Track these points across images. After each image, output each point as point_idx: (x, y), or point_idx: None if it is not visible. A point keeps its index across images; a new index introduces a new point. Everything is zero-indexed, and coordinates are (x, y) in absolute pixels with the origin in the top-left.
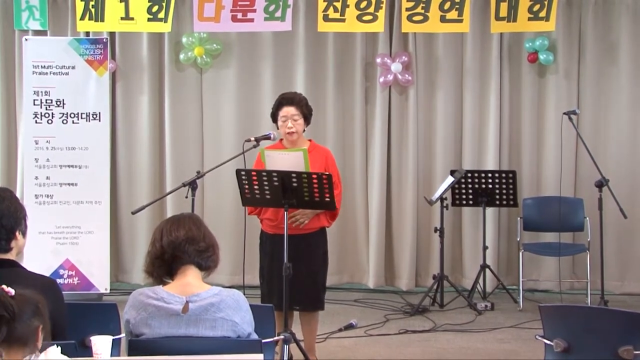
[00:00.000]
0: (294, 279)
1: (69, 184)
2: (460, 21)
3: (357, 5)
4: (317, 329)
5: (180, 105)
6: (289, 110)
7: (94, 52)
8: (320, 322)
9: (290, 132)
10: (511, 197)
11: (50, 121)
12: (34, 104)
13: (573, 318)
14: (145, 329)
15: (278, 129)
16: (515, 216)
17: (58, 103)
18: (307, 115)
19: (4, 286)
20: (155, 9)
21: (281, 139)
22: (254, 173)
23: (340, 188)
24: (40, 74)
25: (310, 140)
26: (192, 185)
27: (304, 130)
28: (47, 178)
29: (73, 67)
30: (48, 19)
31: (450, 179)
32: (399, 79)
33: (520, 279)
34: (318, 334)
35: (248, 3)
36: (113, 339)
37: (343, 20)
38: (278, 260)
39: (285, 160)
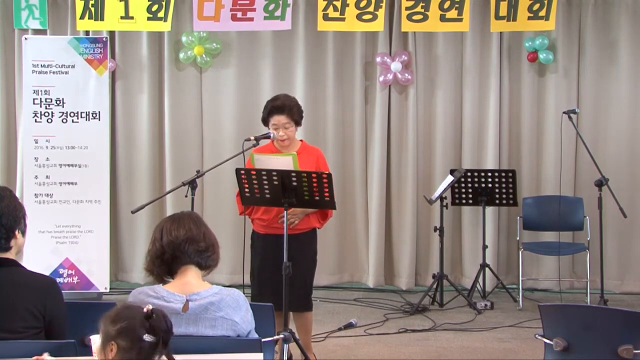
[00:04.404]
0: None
1: (68, 183)
2: (460, 20)
3: (356, 5)
4: (312, 328)
5: (180, 104)
6: (279, 119)
7: (93, 51)
8: (320, 321)
9: (282, 140)
10: (511, 196)
11: (50, 120)
12: (34, 103)
13: (573, 317)
14: None
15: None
16: (515, 215)
17: (58, 102)
18: (298, 120)
19: (149, 306)
20: (154, 8)
21: (273, 140)
22: (253, 172)
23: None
24: (40, 73)
25: (301, 141)
26: (192, 184)
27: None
28: (47, 177)
29: (73, 66)
30: (48, 18)
31: (449, 178)
32: (399, 78)
33: (520, 278)
34: (318, 332)
35: (248, 2)
36: None
37: (343, 20)
38: (270, 260)
39: (275, 165)
